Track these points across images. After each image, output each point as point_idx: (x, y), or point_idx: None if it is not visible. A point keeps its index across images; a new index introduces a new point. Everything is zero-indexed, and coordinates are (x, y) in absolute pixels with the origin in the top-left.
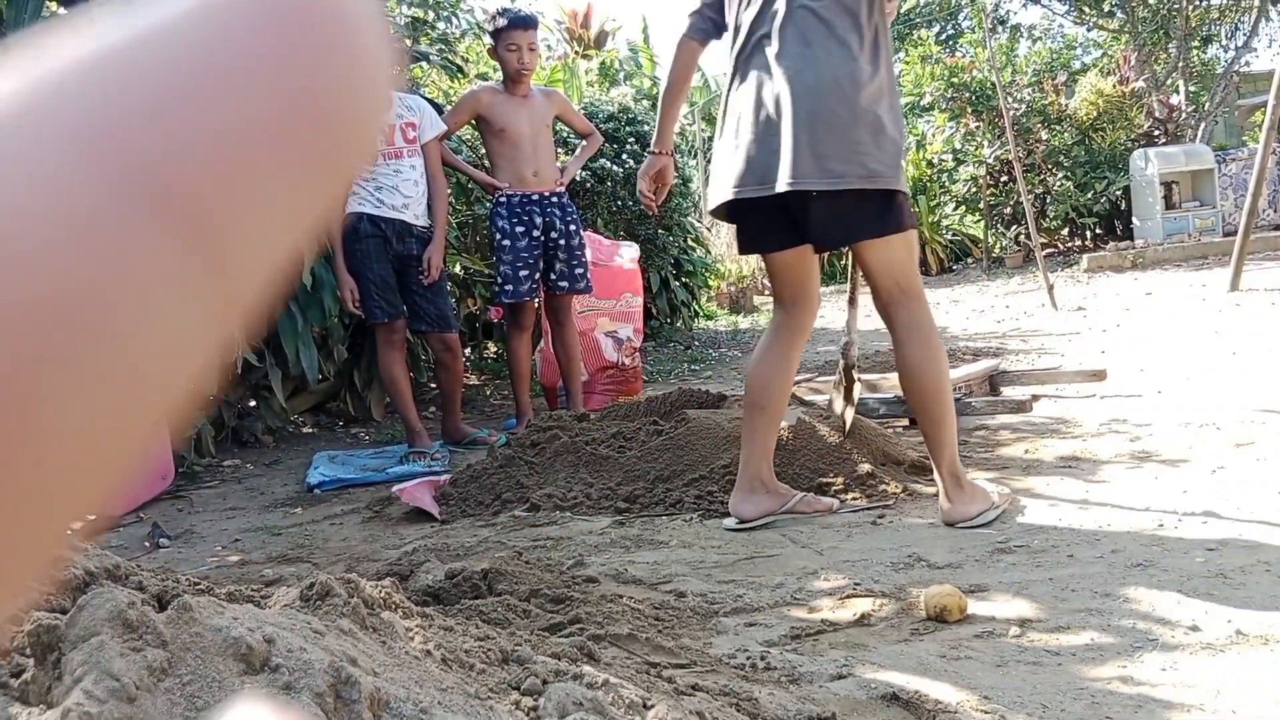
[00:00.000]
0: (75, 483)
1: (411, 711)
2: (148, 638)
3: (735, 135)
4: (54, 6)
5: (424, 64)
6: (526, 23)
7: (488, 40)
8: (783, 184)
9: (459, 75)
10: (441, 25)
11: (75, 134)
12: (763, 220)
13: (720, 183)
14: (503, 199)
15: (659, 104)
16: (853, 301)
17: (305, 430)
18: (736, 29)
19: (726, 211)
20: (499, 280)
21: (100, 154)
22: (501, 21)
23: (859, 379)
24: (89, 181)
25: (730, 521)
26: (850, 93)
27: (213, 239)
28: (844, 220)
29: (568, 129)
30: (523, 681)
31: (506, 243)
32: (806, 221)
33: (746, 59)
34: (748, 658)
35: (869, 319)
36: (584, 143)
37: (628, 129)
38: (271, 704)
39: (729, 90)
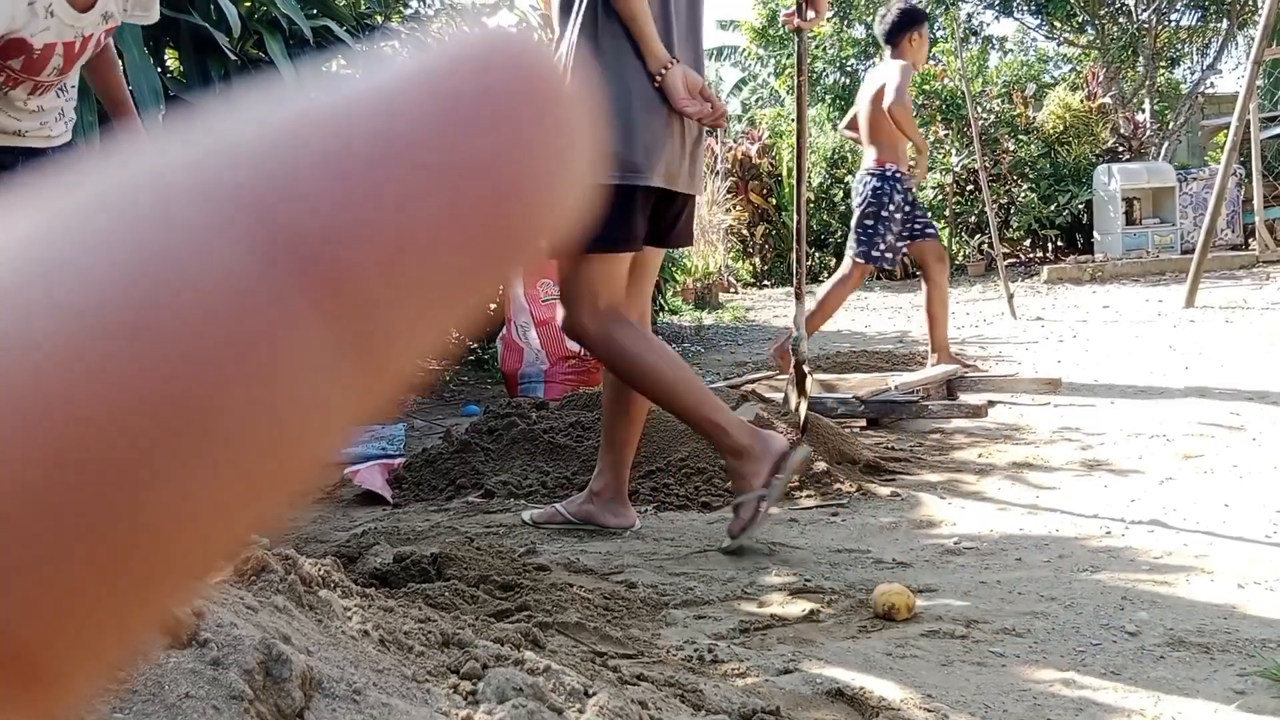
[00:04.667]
0: (185, 560)
1: (345, 692)
2: None
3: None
4: None
5: (394, 43)
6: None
7: (908, 28)
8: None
9: None
10: (415, 4)
11: (238, 201)
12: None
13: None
14: (900, 175)
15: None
16: (799, 296)
17: None
18: None
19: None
20: (880, 246)
21: (261, 225)
22: (919, 11)
23: (811, 374)
24: (245, 253)
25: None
26: None
27: (366, 322)
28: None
29: None
30: (462, 665)
31: (899, 215)
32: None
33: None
34: (695, 650)
35: (832, 319)
36: None
37: None
38: None
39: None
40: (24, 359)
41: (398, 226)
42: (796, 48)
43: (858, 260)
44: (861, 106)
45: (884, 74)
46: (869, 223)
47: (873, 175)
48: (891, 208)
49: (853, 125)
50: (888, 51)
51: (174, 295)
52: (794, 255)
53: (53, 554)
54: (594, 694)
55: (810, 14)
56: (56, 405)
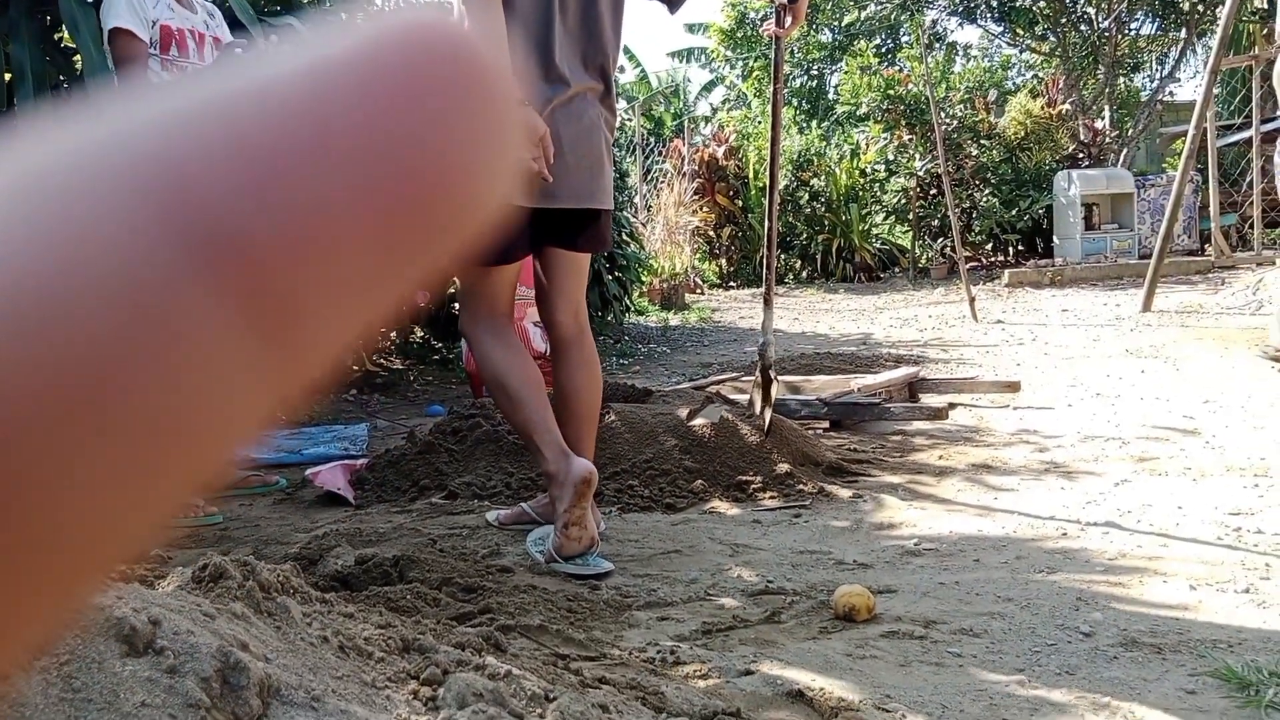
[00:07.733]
0: (88, 548)
1: (303, 699)
2: None
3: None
4: None
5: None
6: None
7: None
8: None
9: None
10: (380, 1)
11: (137, 188)
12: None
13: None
14: None
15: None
16: (768, 302)
17: None
18: None
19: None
20: None
21: (161, 212)
22: None
23: (777, 379)
24: (143, 240)
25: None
26: None
27: (275, 311)
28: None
29: None
30: (423, 671)
31: None
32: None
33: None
34: (658, 652)
35: (797, 320)
36: None
37: None
38: None
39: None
40: None
41: (310, 213)
42: (774, 56)
43: None
44: None
45: None
46: None
47: None
48: None
49: None
50: None
51: (75, 279)
52: (764, 260)
53: None
54: (555, 698)
55: (789, 21)
56: None
